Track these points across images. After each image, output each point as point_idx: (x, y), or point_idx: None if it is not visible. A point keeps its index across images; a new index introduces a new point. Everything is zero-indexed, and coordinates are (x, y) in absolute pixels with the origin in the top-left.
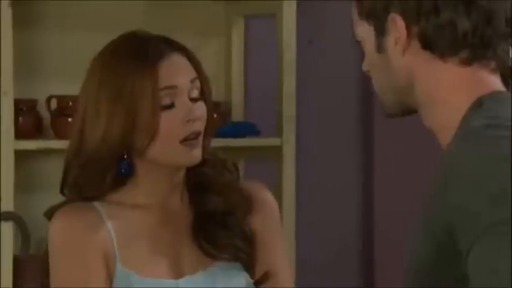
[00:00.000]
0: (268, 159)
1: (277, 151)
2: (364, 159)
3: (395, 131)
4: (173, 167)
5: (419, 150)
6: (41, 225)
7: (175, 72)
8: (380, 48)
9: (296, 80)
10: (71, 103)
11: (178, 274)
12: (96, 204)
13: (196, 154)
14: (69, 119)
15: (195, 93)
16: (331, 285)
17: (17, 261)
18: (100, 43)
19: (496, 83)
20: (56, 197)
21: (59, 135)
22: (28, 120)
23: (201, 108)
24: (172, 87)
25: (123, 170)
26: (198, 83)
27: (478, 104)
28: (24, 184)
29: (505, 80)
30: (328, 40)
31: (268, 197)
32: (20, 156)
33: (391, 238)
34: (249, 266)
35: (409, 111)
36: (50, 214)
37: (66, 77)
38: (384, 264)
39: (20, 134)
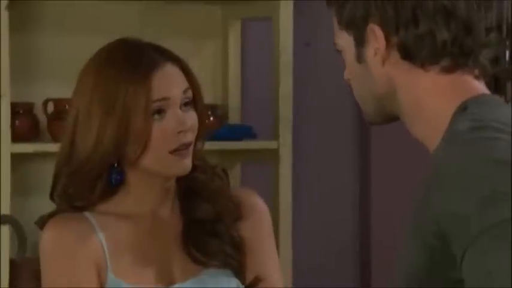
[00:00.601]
0: (265, 162)
1: (273, 154)
2: (360, 161)
3: (392, 133)
4: (164, 177)
5: (416, 153)
6: (38, 228)
7: (168, 83)
8: (360, 58)
9: (293, 82)
10: (67, 106)
11: (168, 282)
12: (87, 214)
13: (186, 164)
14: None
15: (187, 103)
16: (328, 286)
17: (13, 265)
18: (97, 46)
19: (479, 87)
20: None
21: (56, 139)
22: (25, 123)
23: (192, 118)
24: (165, 99)
25: (113, 181)
26: (190, 93)
27: (463, 108)
28: (20, 187)
29: (497, 86)
30: (325, 43)
31: (258, 202)
32: (17, 159)
33: (388, 240)
34: (239, 272)
35: (391, 119)
36: (41, 223)
37: (63, 80)
38: (381, 267)
39: (16, 137)
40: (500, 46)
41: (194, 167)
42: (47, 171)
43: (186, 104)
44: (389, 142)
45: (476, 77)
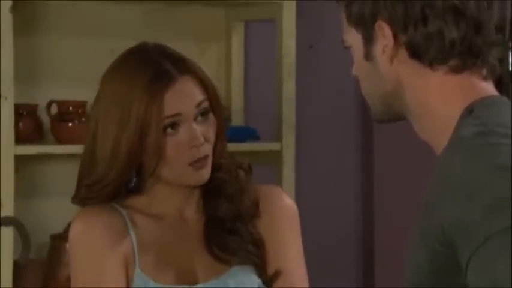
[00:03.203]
0: (268, 164)
1: (277, 156)
2: (363, 163)
3: (395, 135)
4: (184, 186)
5: (420, 155)
6: (41, 230)
7: (181, 99)
8: (368, 55)
9: (296, 84)
10: (71, 108)
11: (191, 281)
12: (118, 207)
13: (203, 175)
14: (70, 124)
15: (204, 113)
16: (331, 286)
17: (17, 266)
18: (100, 48)
19: (487, 88)
20: (56, 202)
21: (59, 140)
22: (28, 125)
23: (206, 129)
24: (177, 115)
25: (128, 188)
26: (205, 104)
27: (469, 111)
28: (24, 189)
29: (500, 87)
30: (329, 45)
31: (279, 197)
32: (20, 161)
33: (391, 243)
34: (260, 268)
35: (398, 117)
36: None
37: (66, 82)
38: (384, 270)
39: (20, 139)
40: (504, 46)
41: (219, 167)
42: (50, 172)
43: (202, 115)
44: (392, 144)
45: (484, 78)
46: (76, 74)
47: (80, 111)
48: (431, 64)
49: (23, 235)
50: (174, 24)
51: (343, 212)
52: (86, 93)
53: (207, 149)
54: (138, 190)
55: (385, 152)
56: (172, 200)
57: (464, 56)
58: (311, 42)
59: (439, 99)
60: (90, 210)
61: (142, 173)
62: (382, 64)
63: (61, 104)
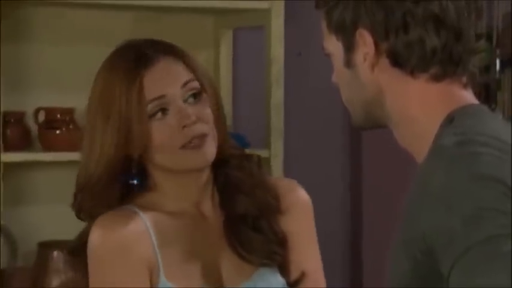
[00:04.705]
0: None
1: (265, 163)
2: (352, 171)
3: (384, 143)
4: (188, 171)
5: (408, 161)
6: (29, 237)
7: (162, 80)
8: (349, 63)
9: (284, 92)
10: (58, 115)
11: (217, 282)
12: (132, 207)
13: (206, 154)
14: (57, 131)
15: (191, 96)
16: None
17: (4, 274)
18: (88, 55)
19: (467, 96)
20: (43, 209)
21: (47, 148)
22: (16, 132)
23: (200, 110)
24: (160, 98)
25: (133, 185)
26: (194, 84)
27: (449, 120)
28: (12, 196)
29: (487, 94)
30: (317, 52)
31: (301, 194)
32: (8, 168)
33: (379, 250)
34: (283, 268)
35: (379, 125)
36: (76, 245)
37: (54, 89)
38: (372, 277)
39: (7, 146)
40: (489, 54)
41: (226, 162)
42: (38, 180)
43: (194, 96)
44: (380, 151)
45: (464, 86)
46: (63, 81)
47: (67, 118)
48: (412, 72)
49: (10, 243)
50: (163, 32)
51: (331, 218)
52: (73, 100)
53: (204, 128)
54: (148, 187)
55: (374, 159)
56: (185, 192)
57: (445, 63)
58: (300, 49)
59: (420, 107)
60: (106, 216)
61: (144, 166)
62: (363, 72)
63: (48, 111)
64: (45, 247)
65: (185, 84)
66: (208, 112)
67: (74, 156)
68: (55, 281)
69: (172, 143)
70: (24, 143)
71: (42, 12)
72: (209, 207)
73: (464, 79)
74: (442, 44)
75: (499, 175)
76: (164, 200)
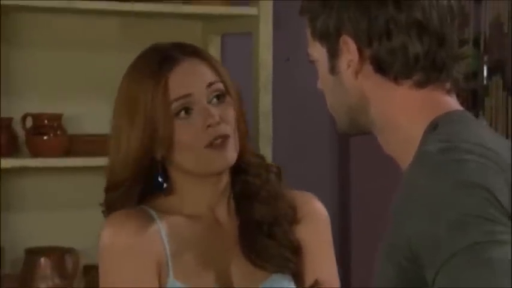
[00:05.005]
0: None
1: None
2: (340, 177)
3: (371, 148)
4: (209, 174)
5: (396, 166)
6: (16, 244)
7: (187, 80)
8: (333, 70)
9: (273, 98)
10: (46, 121)
11: (226, 285)
12: (148, 209)
13: (226, 156)
14: (45, 137)
15: (219, 97)
16: None
17: None
18: (75, 61)
19: (451, 102)
20: (31, 216)
21: (35, 153)
22: (3, 138)
23: (223, 111)
24: (185, 96)
25: (156, 186)
26: (218, 85)
27: (433, 127)
28: None
29: (475, 100)
30: (305, 58)
31: (318, 207)
32: None
33: (367, 256)
34: (297, 277)
35: (363, 131)
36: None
37: (41, 95)
38: (360, 285)
39: None
40: (477, 60)
41: (246, 170)
42: (25, 186)
43: (218, 98)
44: (368, 156)
45: (448, 92)
46: (51, 87)
47: (55, 124)
48: (396, 78)
49: None
50: (151, 37)
51: None
52: (61, 106)
53: (227, 129)
54: (169, 191)
55: (361, 164)
56: (203, 197)
57: (428, 70)
58: (288, 55)
59: (403, 113)
60: (119, 214)
61: (167, 168)
62: (347, 78)
63: (36, 117)
64: (33, 254)
65: (210, 84)
66: (231, 114)
67: (62, 162)
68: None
69: (196, 142)
70: (11, 149)
71: (30, 17)
72: (224, 213)
73: (448, 85)
74: (425, 50)
75: (483, 182)
76: (181, 203)
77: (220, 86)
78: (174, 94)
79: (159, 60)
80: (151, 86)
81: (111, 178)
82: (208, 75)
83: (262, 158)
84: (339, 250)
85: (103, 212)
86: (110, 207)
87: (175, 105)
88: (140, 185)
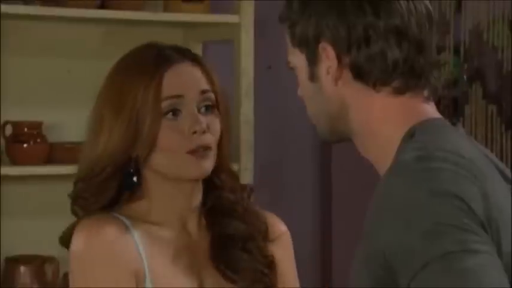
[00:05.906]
0: None
1: None
2: (322, 183)
3: (354, 155)
4: (183, 180)
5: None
6: None
7: (182, 82)
8: (312, 76)
9: (254, 105)
10: (26, 129)
11: None
12: (118, 215)
13: (204, 166)
14: (25, 145)
15: (208, 107)
16: None
17: None
18: (56, 68)
19: (429, 110)
20: (10, 224)
21: (14, 161)
22: None
23: (210, 122)
24: (177, 97)
25: (127, 185)
26: (210, 95)
27: (410, 135)
28: None
29: (455, 107)
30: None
31: (284, 228)
32: None
33: (348, 262)
34: None
35: (343, 138)
36: (66, 238)
37: (21, 103)
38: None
39: None
40: (456, 68)
41: (221, 186)
42: (4, 194)
43: (207, 108)
44: (351, 163)
45: (426, 100)
46: (32, 94)
47: (35, 132)
48: (375, 85)
49: None
50: (132, 45)
51: (301, 234)
52: (41, 113)
53: (211, 140)
54: (138, 194)
55: (343, 171)
56: (174, 204)
57: (407, 76)
58: (270, 62)
59: (382, 120)
60: (90, 221)
61: (140, 168)
62: (326, 85)
63: (16, 124)
64: (12, 262)
65: (203, 92)
66: (217, 127)
67: (41, 170)
68: None
69: (179, 146)
70: None
71: (10, 24)
72: (195, 227)
73: (426, 92)
74: (404, 56)
75: (457, 191)
76: (149, 209)
77: (212, 96)
78: (166, 92)
79: (156, 58)
80: (144, 81)
81: (86, 170)
82: (203, 82)
83: (237, 177)
84: (321, 257)
85: (72, 207)
86: (78, 198)
87: (164, 105)
88: (115, 182)
